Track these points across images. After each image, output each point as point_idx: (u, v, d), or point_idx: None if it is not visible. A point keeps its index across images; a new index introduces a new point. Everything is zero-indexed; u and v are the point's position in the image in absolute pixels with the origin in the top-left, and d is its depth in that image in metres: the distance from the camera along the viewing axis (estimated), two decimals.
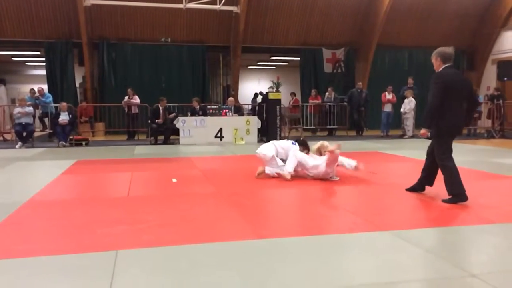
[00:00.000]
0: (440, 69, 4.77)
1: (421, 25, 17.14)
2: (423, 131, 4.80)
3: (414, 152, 9.47)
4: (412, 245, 3.29)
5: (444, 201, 4.64)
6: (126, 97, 13.40)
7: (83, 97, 16.29)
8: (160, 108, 12.22)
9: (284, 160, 6.34)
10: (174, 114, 12.26)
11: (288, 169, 6.08)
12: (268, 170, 6.30)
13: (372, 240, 3.45)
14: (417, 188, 5.13)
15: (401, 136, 13.69)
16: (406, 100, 13.67)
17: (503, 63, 13.04)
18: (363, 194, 5.39)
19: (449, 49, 4.80)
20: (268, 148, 6.48)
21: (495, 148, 10.73)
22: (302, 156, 6.24)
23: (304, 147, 6.52)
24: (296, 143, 6.53)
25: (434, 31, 17.37)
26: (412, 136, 13.49)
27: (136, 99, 13.51)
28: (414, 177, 6.50)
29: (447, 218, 4.13)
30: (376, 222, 3.94)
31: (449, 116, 4.59)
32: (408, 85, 14.10)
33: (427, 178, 5.02)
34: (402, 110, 13.77)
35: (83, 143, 11.88)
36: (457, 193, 4.58)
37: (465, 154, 9.09)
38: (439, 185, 5.76)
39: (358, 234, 3.62)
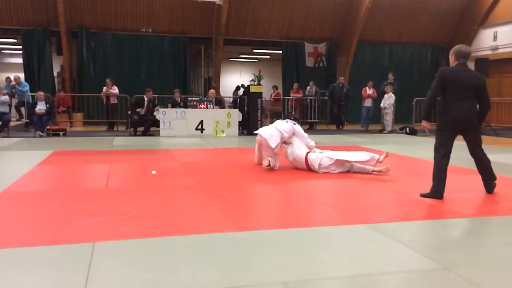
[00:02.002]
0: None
1: (401, 21, 17.33)
2: (423, 123, 5.00)
3: (392, 146, 9.61)
4: (389, 238, 3.34)
5: (421, 195, 4.71)
6: (105, 88, 13.22)
7: (61, 86, 16.00)
8: (145, 99, 12.07)
9: (286, 143, 6.41)
10: (158, 107, 12.11)
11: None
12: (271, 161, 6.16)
13: (350, 233, 3.49)
14: (488, 189, 4.91)
15: (381, 131, 13.86)
16: (386, 96, 13.83)
17: (481, 60, 13.29)
18: (342, 187, 5.45)
19: (464, 48, 4.86)
20: (273, 134, 6.15)
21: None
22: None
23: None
24: (296, 122, 6.52)
25: (415, 27, 17.60)
26: (391, 131, 13.68)
27: (115, 90, 13.34)
28: (392, 170, 6.59)
29: (423, 212, 4.21)
30: (353, 216, 4.00)
31: (448, 112, 4.64)
32: (388, 81, 14.27)
33: (483, 176, 4.89)
34: (381, 105, 13.94)
35: (61, 133, 11.69)
36: (434, 190, 4.65)
37: None
38: (419, 179, 5.87)
39: (336, 227, 3.66)
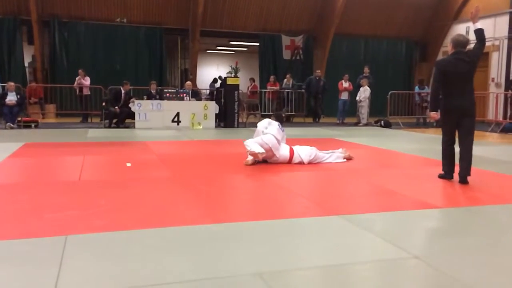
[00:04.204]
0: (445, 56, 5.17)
1: (377, 15, 17.52)
2: (432, 114, 5.34)
3: (367, 139, 9.76)
4: (361, 228, 3.40)
5: (439, 176, 5.28)
6: (77, 78, 12.99)
7: (32, 77, 15.59)
8: (123, 91, 11.88)
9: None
10: (133, 99, 11.92)
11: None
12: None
13: (324, 224, 3.54)
14: (461, 180, 5.11)
15: (356, 124, 14.04)
16: (361, 89, 14.00)
17: None
18: (317, 179, 5.51)
19: (462, 37, 5.19)
20: (274, 143, 6.14)
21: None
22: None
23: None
24: (280, 124, 6.49)
25: (389, 21, 17.82)
26: (366, 124, 13.87)
27: (87, 81, 13.10)
28: (366, 162, 6.71)
29: (396, 203, 4.30)
30: (328, 207, 4.05)
31: (446, 100, 5.05)
32: (364, 74, 14.44)
33: (461, 162, 5.12)
34: (357, 98, 14.10)
35: (32, 125, 11.43)
36: (445, 172, 5.22)
37: (415, 142, 9.47)
38: (392, 171, 5.99)
39: (310, 218, 3.70)
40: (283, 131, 6.42)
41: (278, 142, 6.22)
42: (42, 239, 3.06)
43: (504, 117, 13.74)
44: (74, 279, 2.47)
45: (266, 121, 6.51)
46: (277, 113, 7.18)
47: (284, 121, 6.74)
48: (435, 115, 5.27)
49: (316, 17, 17.33)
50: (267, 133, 6.20)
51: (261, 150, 5.92)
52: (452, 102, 5.01)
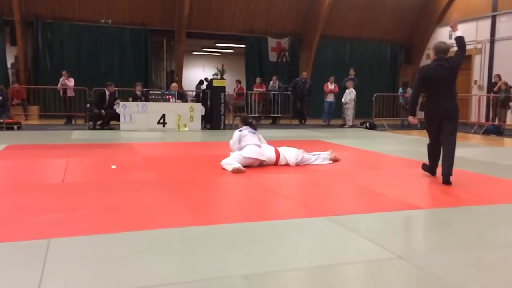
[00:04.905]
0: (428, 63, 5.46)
1: (362, 18, 17.69)
2: (409, 118, 5.82)
3: (352, 141, 9.84)
4: (347, 229, 3.42)
5: (422, 167, 5.65)
6: (61, 78, 12.84)
7: (15, 78, 15.33)
8: (107, 93, 11.76)
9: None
10: (118, 101, 11.82)
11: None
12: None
13: (309, 226, 3.55)
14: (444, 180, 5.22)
15: (342, 126, 14.14)
16: (347, 91, 14.11)
17: None
18: (303, 181, 5.53)
19: (443, 44, 5.40)
20: (256, 150, 6.14)
21: (426, 138, 11.34)
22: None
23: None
24: (249, 127, 6.43)
25: (374, 24, 18.00)
26: (352, 126, 13.98)
27: (71, 82, 12.96)
28: (352, 164, 6.76)
29: (380, 204, 4.33)
30: (313, 208, 4.06)
31: (429, 104, 5.31)
32: (350, 76, 14.55)
33: (443, 163, 5.27)
34: (343, 100, 14.20)
35: (15, 127, 11.25)
36: (429, 169, 5.55)
37: (399, 144, 9.58)
38: (377, 173, 6.04)
39: (296, 220, 3.71)
40: (254, 133, 6.36)
41: (259, 146, 6.22)
42: (24, 243, 3.01)
43: (487, 119, 13.97)
44: (57, 283, 2.43)
45: (236, 135, 6.35)
46: (243, 116, 7.10)
47: (253, 123, 6.62)
48: (412, 120, 5.76)
49: (302, 19, 17.41)
50: (245, 145, 6.12)
51: (242, 167, 5.74)
52: (434, 106, 5.24)
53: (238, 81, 16.71)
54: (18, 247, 2.93)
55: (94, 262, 2.72)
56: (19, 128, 11.26)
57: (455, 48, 5.35)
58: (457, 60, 5.28)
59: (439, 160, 5.39)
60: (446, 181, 5.05)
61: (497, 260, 2.89)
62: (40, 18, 14.62)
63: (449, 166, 5.05)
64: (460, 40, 5.27)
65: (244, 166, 5.79)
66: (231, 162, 5.83)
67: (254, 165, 6.03)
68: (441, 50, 5.28)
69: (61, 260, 2.73)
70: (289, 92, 15.30)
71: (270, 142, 6.72)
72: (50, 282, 2.42)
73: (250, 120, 6.67)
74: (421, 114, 6.09)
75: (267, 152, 6.23)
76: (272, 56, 17.50)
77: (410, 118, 5.78)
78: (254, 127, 6.52)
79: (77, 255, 2.81)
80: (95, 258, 2.78)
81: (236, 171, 5.59)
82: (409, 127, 14.19)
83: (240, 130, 6.37)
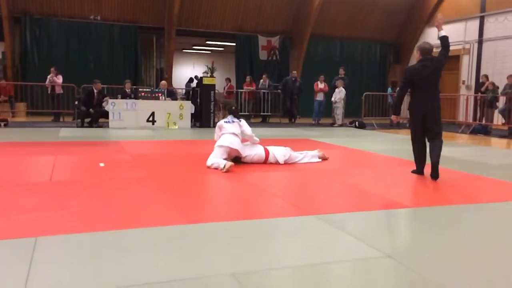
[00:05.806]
0: (414, 63, 5.59)
1: (352, 18, 17.75)
2: (392, 117, 6.11)
3: (342, 139, 9.88)
4: (335, 228, 3.44)
5: (412, 171, 5.66)
6: (49, 75, 12.71)
7: (2, 75, 15.11)
8: (95, 91, 11.65)
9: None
10: (107, 98, 11.72)
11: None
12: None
13: (298, 224, 3.56)
14: (432, 175, 5.35)
15: (332, 125, 14.19)
16: (336, 90, 14.17)
17: None
18: (292, 180, 5.54)
19: (428, 44, 5.57)
20: (231, 140, 6.06)
21: None
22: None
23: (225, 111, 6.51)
24: (237, 118, 6.36)
25: (364, 24, 18.08)
26: (342, 125, 14.04)
27: (60, 79, 12.83)
28: (340, 163, 6.79)
29: (368, 203, 4.36)
30: (302, 207, 4.07)
31: (413, 103, 5.47)
32: (339, 75, 14.60)
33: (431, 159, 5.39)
34: (332, 99, 14.26)
35: (2, 124, 11.09)
36: (416, 167, 5.60)
37: (388, 143, 9.64)
38: (366, 171, 6.07)
39: (285, 218, 3.72)
40: (234, 121, 6.22)
41: (237, 135, 6.09)
42: (10, 241, 2.98)
43: (474, 119, 14.11)
44: (44, 281, 2.41)
45: (217, 126, 6.33)
46: (225, 102, 6.99)
47: (235, 110, 6.46)
48: (394, 118, 6.04)
49: (292, 18, 17.42)
50: (221, 135, 6.11)
51: (229, 162, 5.73)
52: (417, 105, 5.41)
53: (228, 79, 16.67)
54: (4, 246, 2.90)
55: (82, 260, 2.70)
56: (6, 125, 11.11)
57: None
58: (440, 60, 5.42)
59: (425, 159, 5.50)
60: (434, 173, 5.18)
61: (482, 258, 2.93)
62: (28, 14, 14.44)
63: (437, 156, 5.21)
64: (444, 40, 5.39)
65: (224, 159, 5.84)
66: (216, 161, 5.83)
67: (230, 156, 6.00)
68: (426, 50, 5.43)
69: (48, 259, 2.70)
70: (279, 91, 15.31)
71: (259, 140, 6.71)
72: (37, 281, 2.40)
73: (233, 108, 6.50)
74: (406, 114, 6.26)
75: (255, 149, 6.24)
76: (263, 55, 17.49)
77: (393, 117, 6.08)
78: (236, 114, 6.43)
79: (64, 254, 2.79)
80: (83, 257, 2.76)
81: (228, 169, 5.58)
82: (398, 126, 14.31)
83: (226, 121, 6.27)
